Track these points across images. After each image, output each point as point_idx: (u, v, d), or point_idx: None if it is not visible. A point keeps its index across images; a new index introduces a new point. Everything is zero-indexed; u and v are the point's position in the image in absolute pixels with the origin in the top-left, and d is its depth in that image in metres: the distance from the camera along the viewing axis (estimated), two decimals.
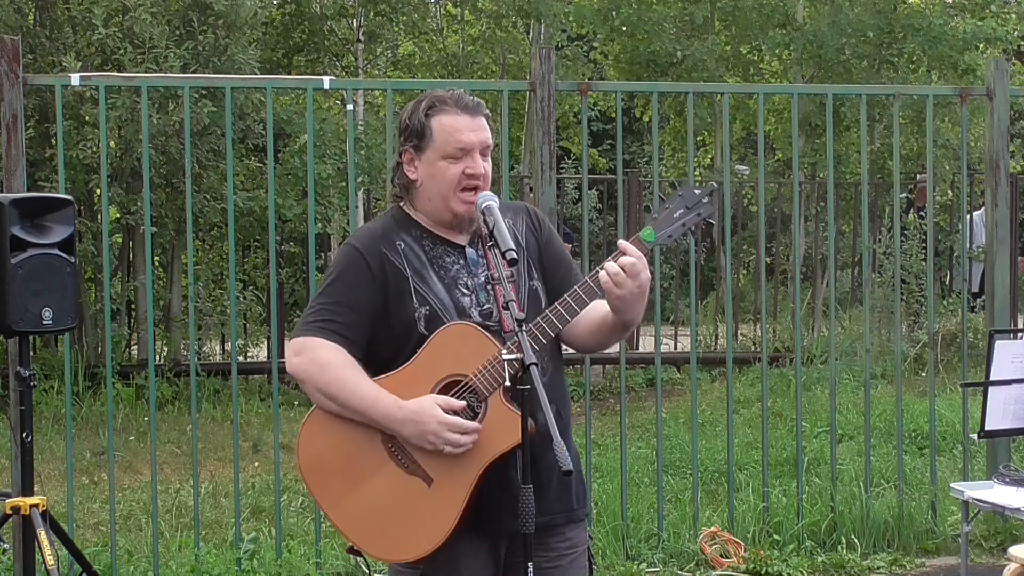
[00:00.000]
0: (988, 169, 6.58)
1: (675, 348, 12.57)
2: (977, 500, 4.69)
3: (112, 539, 5.92)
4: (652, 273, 2.98)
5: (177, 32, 10.43)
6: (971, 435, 6.09)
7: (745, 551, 6.12)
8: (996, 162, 6.49)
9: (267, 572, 5.82)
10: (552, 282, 3.13)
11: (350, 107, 7.51)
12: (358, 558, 3.04)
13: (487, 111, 3.09)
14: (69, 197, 5.10)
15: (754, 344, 12.19)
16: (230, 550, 6.00)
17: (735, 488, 6.58)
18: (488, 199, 2.99)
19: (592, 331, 3.09)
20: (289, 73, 13.28)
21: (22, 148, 5.71)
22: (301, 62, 14.00)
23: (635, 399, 10.64)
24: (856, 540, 6.25)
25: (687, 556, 6.12)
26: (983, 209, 7.08)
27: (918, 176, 14.22)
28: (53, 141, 9.80)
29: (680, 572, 6.02)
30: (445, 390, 2.95)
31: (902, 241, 11.02)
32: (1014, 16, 15.42)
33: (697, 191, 3.00)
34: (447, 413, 2.90)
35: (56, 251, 4.87)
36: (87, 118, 9.90)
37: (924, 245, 11.10)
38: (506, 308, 2.86)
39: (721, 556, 6.10)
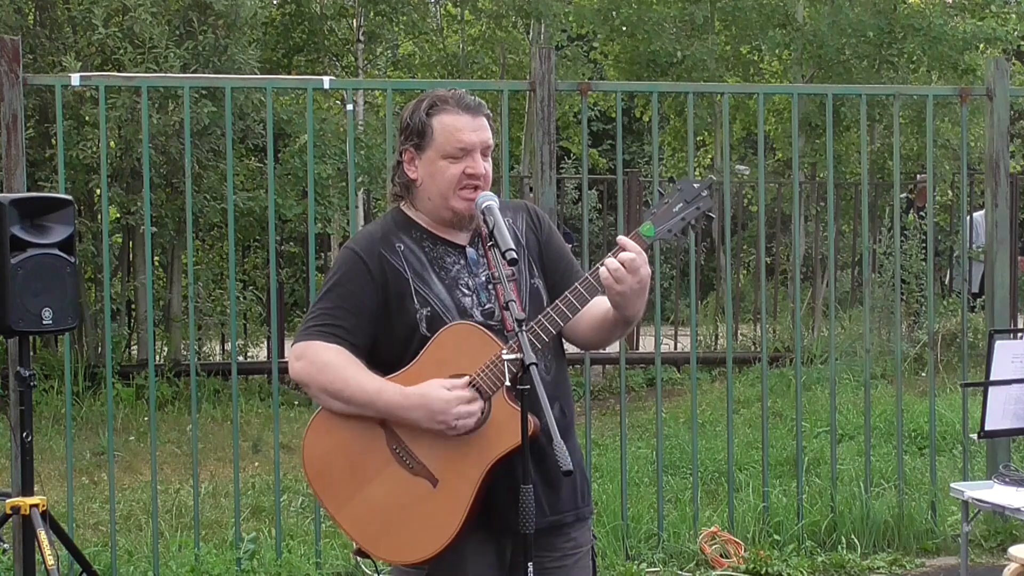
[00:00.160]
0: (988, 169, 6.58)
1: (675, 348, 12.57)
2: (977, 500, 4.69)
3: (112, 539, 5.92)
4: (652, 273, 2.97)
5: (177, 32, 10.43)
6: (971, 435, 6.09)
7: (745, 551, 6.12)
8: (996, 162, 6.49)
9: (267, 572, 5.82)
10: (553, 279, 3.13)
11: (350, 107, 7.52)
12: (366, 560, 3.04)
13: (488, 111, 3.09)
14: (69, 197, 5.10)
15: (754, 344, 12.20)
16: (230, 550, 6.00)
17: (735, 488, 6.58)
18: (488, 199, 2.98)
19: (594, 328, 3.09)
20: (289, 73, 13.28)
21: (22, 148, 5.71)
22: (301, 62, 14.01)
23: (635, 399, 10.64)
24: (856, 540, 6.25)
25: (687, 556, 6.12)
26: (983, 209, 7.08)
27: (918, 176, 14.22)
28: (53, 141, 9.80)
29: (680, 572, 6.02)
30: None
31: (902, 241, 11.03)
32: (1014, 16, 15.42)
33: (696, 185, 3.00)
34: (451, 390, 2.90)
35: (56, 251, 4.87)
36: (87, 118, 9.90)
37: (924, 245, 11.11)
38: (506, 308, 2.85)
39: (721, 556, 6.10)
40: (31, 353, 5.51)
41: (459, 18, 17.59)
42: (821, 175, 14.56)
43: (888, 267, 11.45)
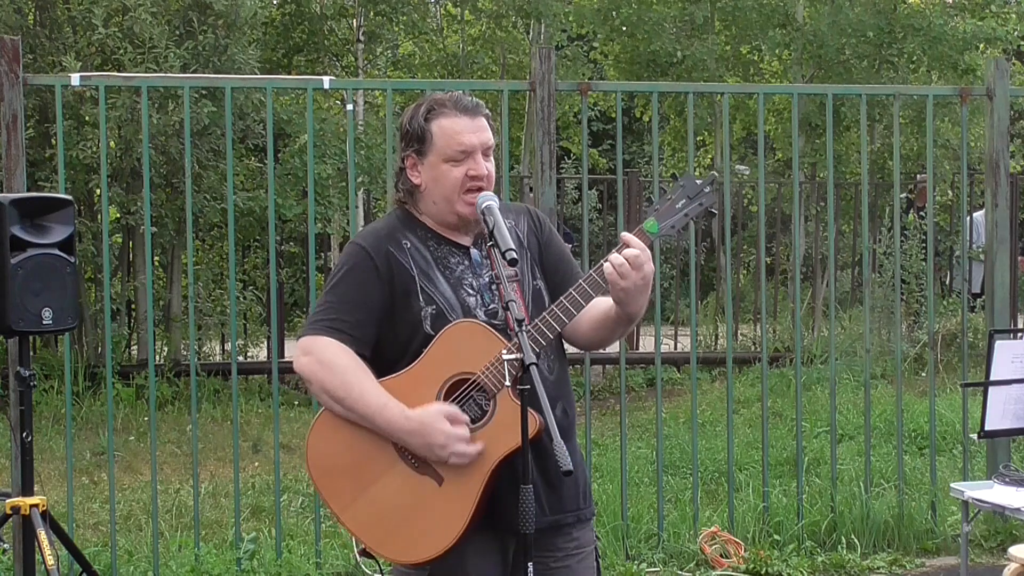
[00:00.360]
0: (988, 169, 6.58)
1: (675, 348, 12.57)
2: (977, 500, 4.69)
3: (112, 539, 5.91)
4: (653, 272, 2.98)
5: (177, 32, 10.43)
6: (971, 435, 6.09)
7: (745, 551, 6.12)
8: (996, 162, 6.49)
9: (267, 572, 5.82)
10: (554, 281, 3.14)
11: (350, 107, 7.52)
12: (368, 561, 3.04)
13: (487, 111, 3.09)
14: (69, 197, 5.10)
15: (754, 344, 12.20)
16: (230, 550, 6.00)
17: (735, 488, 6.58)
18: (488, 199, 2.98)
19: (595, 327, 3.09)
20: (289, 73, 13.29)
21: (22, 148, 5.71)
22: (301, 62, 14.01)
23: (635, 399, 10.64)
24: (856, 540, 6.25)
25: (687, 556, 6.12)
26: (983, 209, 7.08)
27: (918, 176, 14.22)
28: (53, 141, 9.80)
29: (680, 572, 6.02)
30: (453, 388, 2.95)
31: (902, 241, 11.03)
32: (1014, 16, 15.43)
33: (699, 181, 3.01)
34: (453, 424, 2.90)
35: (56, 251, 4.87)
36: (87, 118, 9.90)
37: (924, 245, 11.11)
38: (506, 308, 2.85)
39: (721, 556, 6.10)
40: (31, 353, 5.51)
41: (459, 18, 17.59)
42: (821, 175, 14.56)
43: (888, 267, 11.45)
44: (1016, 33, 14.84)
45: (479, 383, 2.93)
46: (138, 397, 9.87)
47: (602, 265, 2.92)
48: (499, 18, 16.41)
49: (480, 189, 3.02)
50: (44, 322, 4.84)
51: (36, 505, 4.78)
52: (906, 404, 7.58)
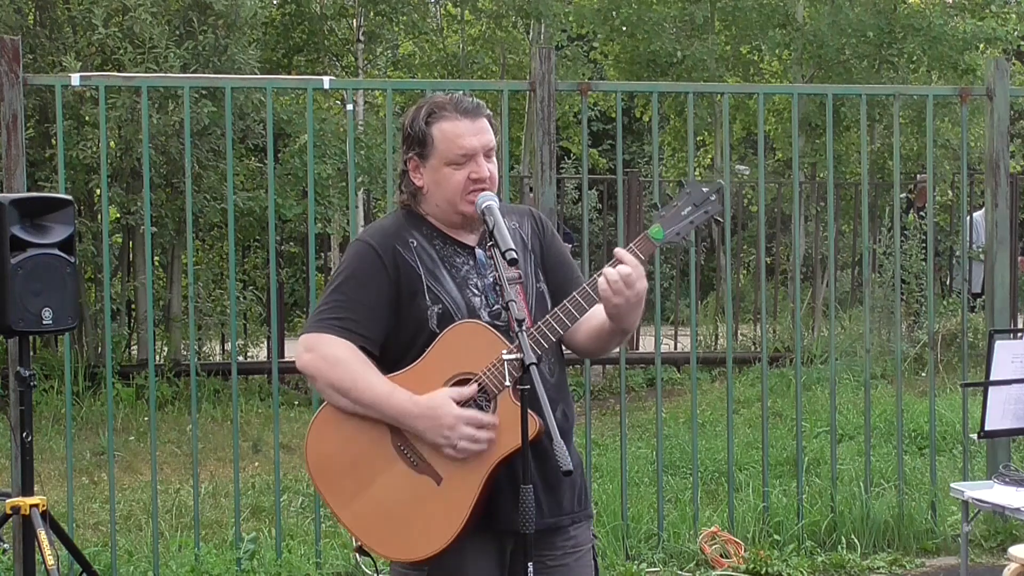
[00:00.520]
0: (988, 169, 6.58)
1: (675, 348, 12.57)
2: (977, 500, 4.69)
3: (112, 539, 5.92)
4: (652, 273, 2.99)
5: (177, 32, 10.43)
6: (971, 435, 6.09)
7: (745, 551, 6.12)
8: (996, 162, 6.49)
9: (267, 572, 5.82)
10: (554, 284, 3.14)
11: (350, 107, 7.52)
12: (366, 559, 3.03)
13: (488, 111, 3.08)
14: (69, 197, 5.10)
15: (754, 344, 12.20)
16: (230, 550, 6.00)
17: (735, 488, 6.58)
18: (488, 199, 2.98)
19: (591, 336, 3.10)
20: (289, 73, 13.29)
21: (22, 148, 5.71)
22: (301, 62, 14.01)
23: (635, 399, 10.65)
24: (856, 540, 6.25)
25: (687, 556, 6.12)
26: (983, 209, 7.08)
27: (918, 176, 14.21)
28: (53, 141, 9.80)
29: (680, 572, 6.02)
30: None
31: (902, 241, 11.02)
32: (1014, 16, 15.43)
33: (704, 188, 3.01)
34: (461, 405, 2.90)
35: (56, 251, 4.87)
36: (87, 118, 9.90)
37: (924, 245, 11.11)
38: (506, 308, 2.85)
39: (721, 556, 6.10)
40: (31, 353, 5.50)
41: (459, 18, 17.59)
42: (821, 175, 14.56)
43: (888, 267, 11.45)
44: (1016, 33, 14.84)
45: (480, 383, 2.93)
46: (138, 397, 9.87)
47: (596, 279, 2.93)
48: (499, 18, 16.42)
49: (483, 191, 3.02)
50: (44, 322, 4.84)
51: (36, 505, 4.78)
52: (906, 404, 7.58)
